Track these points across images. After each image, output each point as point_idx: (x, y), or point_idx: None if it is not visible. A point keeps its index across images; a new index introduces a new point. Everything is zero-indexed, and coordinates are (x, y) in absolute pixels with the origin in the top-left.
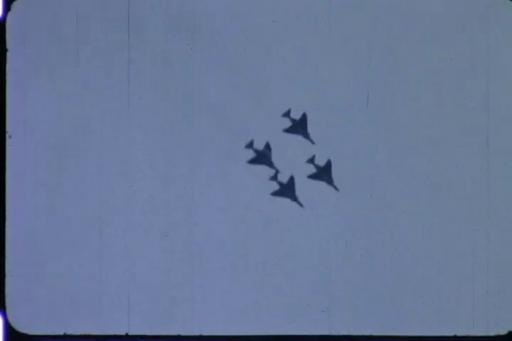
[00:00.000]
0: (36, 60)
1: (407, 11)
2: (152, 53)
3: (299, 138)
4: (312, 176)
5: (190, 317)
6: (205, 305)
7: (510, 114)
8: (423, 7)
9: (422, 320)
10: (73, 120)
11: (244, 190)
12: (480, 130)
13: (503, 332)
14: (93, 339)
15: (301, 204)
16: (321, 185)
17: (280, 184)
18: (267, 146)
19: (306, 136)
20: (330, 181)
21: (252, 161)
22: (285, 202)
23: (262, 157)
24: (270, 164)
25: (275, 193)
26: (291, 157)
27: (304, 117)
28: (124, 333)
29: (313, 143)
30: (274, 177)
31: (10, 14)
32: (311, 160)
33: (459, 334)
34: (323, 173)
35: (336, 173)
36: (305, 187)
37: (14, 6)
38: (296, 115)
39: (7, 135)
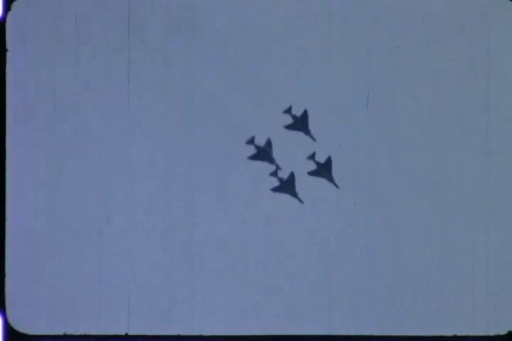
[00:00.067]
0: (36, 60)
1: (407, 11)
2: (152, 53)
3: (300, 135)
4: (312, 173)
5: (190, 317)
6: (205, 305)
7: (510, 114)
8: (423, 7)
9: (421, 320)
10: (73, 120)
11: (245, 189)
12: (480, 129)
13: (503, 332)
14: (93, 339)
15: (301, 201)
16: (321, 182)
17: (280, 180)
18: (268, 143)
19: (307, 132)
20: (330, 178)
21: (253, 157)
22: (285, 201)
23: (263, 153)
24: (271, 161)
25: (275, 189)
26: (292, 153)
27: (305, 114)
28: (123, 333)
29: (314, 140)
30: (275, 173)
31: (10, 14)
32: (312, 157)
33: (459, 334)
34: (324, 170)
35: (336, 170)
36: (305, 183)
37: (14, 6)
38: (297, 112)
39: (7, 134)
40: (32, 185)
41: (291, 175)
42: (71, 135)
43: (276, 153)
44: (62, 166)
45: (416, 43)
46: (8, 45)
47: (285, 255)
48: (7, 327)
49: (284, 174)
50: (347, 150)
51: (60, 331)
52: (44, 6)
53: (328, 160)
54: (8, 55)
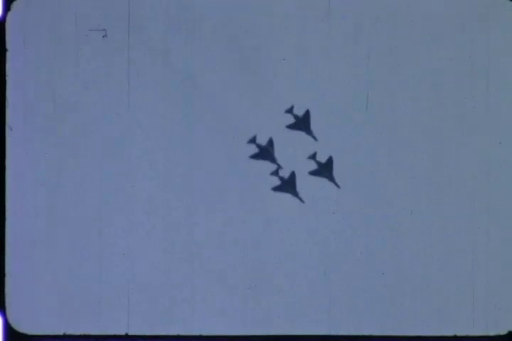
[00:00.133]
0: (36, 60)
1: (407, 11)
2: (152, 53)
3: (301, 135)
4: (313, 172)
5: (190, 317)
6: (205, 305)
7: (511, 114)
8: (423, 7)
9: (421, 320)
10: (73, 120)
11: (245, 189)
12: (480, 129)
13: (503, 332)
14: (93, 339)
15: (302, 200)
16: (322, 181)
17: (281, 179)
18: (270, 142)
19: (309, 132)
20: (331, 178)
21: (255, 156)
22: (285, 201)
23: (265, 152)
24: (273, 160)
25: (276, 188)
26: (293, 153)
27: (307, 114)
28: (123, 333)
29: (316, 139)
30: (276, 173)
31: (10, 14)
32: (313, 157)
33: (459, 334)
34: (325, 170)
35: (336, 170)
36: (306, 183)
37: (14, 6)
38: (298, 112)
39: (7, 134)
40: (32, 185)
41: (292, 175)
42: (71, 135)
43: (277, 153)
44: (62, 166)
45: (416, 43)
46: (8, 45)
47: (285, 255)
48: (7, 327)
49: (284, 173)
50: (347, 150)
51: (60, 331)
52: (44, 6)
53: (329, 160)
54: (8, 55)
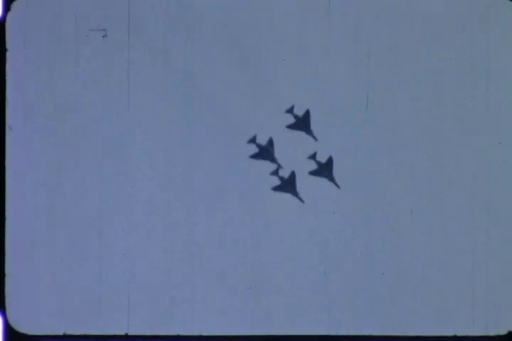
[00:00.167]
0: (36, 60)
1: (407, 11)
2: (152, 53)
3: (301, 135)
4: (313, 172)
5: (190, 317)
6: (205, 305)
7: (511, 114)
8: (423, 7)
9: (421, 320)
10: (73, 120)
11: (245, 189)
12: (480, 129)
13: (503, 332)
14: (93, 339)
15: (301, 200)
16: (322, 181)
17: (281, 179)
18: (270, 142)
19: (309, 132)
20: (331, 178)
21: (255, 156)
22: (286, 201)
23: (265, 152)
24: (273, 160)
25: (276, 188)
26: (293, 153)
27: (307, 114)
28: (123, 333)
29: (316, 139)
30: (276, 172)
31: (10, 14)
32: (313, 157)
33: (459, 334)
34: (325, 170)
35: (337, 170)
36: (306, 183)
37: (14, 6)
38: (298, 112)
39: (7, 134)
40: (32, 185)
41: (292, 175)
42: (71, 135)
43: (277, 153)
44: (62, 166)
45: (416, 43)
46: (8, 45)
47: (285, 255)
48: (7, 327)
49: (284, 173)
50: (347, 150)
51: (60, 331)
52: (44, 6)
53: (330, 160)
54: (8, 55)
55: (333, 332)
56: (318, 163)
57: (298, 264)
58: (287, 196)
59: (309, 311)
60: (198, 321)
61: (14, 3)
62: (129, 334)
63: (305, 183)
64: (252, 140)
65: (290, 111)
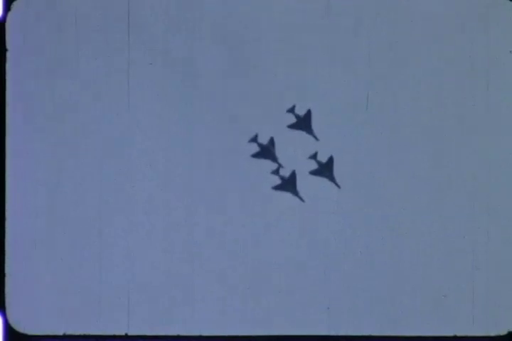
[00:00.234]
0: (36, 60)
1: (407, 11)
2: (152, 53)
3: (302, 135)
4: (314, 172)
5: (190, 317)
6: (205, 305)
7: (511, 114)
8: (423, 7)
9: (421, 320)
10: (73, 120)
11: (245, 189)
12: (480, 129)
13: (503, 332)
14: (93, 339)
15: (302, 199)
16: (323, 181)
17: (282, 178)
18: (271, 141)
19: (310, 132)
20: (332, 178)
21: (256, 155)
22: (286, 201)
23: (266, 151)
24: (274, 159)
25: (276, 187)
26: (294, 153)
27: (308, 114)
28: (123, 333)
29: (317, 139)
30: (276, 172)
31: (10, 14)
32: (314, 157)
33: (459, 334)
34: (325, 170)
35: (337, 170)
36: (306, 183)
37: (14, 6)
38: (300, 112)
39: (7, 134)
40: (32, 185)
41: (293, 174)
42: (71, 135)
43: (278, 152)
44: (62, 166)
45: (416, 43)
46: (8, 45)
47: (285, 255)
48: (7, 327)
49: (285, 172)
50: (348, 150)
51: (60, 331)
52: (44, 6)
53: (330, 160)
54: (8, 55)
55: (333, 332)
56: (319, 163)
57: (298, 264)
58: (288, 196)
59: (309, 311)
60: (198, 321)
61: (14, 3)
62: (129, 334)
63: (305, 183)
64: (254, 139)
65: (291, 110)
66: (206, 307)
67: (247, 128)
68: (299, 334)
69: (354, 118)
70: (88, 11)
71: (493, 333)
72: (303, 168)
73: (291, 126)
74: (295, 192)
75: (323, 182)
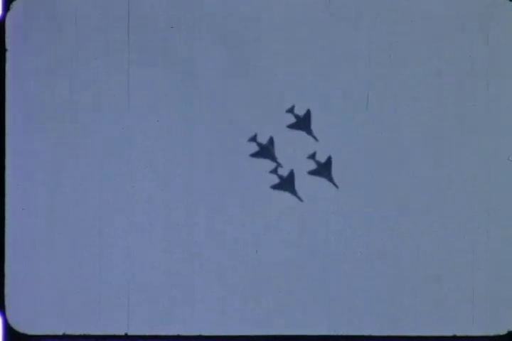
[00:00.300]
0: (36, 60)
1: (407, 11)
2: (152, 53)
3: (302, 135)
4: (312, 172)
5: (190, 317)
6: (205, 305)
7: (511, 114)
8: (423, 7)
9: (421, 320)
10: (73, 120)
11: (245, 189)
12: (480, 129)
13: (503, 332)
14: (93, 339)
15: (300, 199)
16: (321, 181)
17: (280, 177)
18: (271, 141)
19: (309, 132)
20: (330, 178)
21: (255, 155)
22: (285, 201)
23: (265, 151)
24: (273, 159)
25: (275, 187)
26: (293, 153)
27: (307, 114)
28: (123, 333)
29: (316, 140)
30: (275, 171)
31: (10, 14)
32: (312, 157)
33: (458, 334)
34: (324, 170)
35: (336, 170)
36: (305, 183)
37: (14, 6)
38: (299, 111)
39: (7, 134)
40: (32, 185)
41: (291, 173)
42: (71, 135)
43: (277, 152)
44: (62, 166)
45: (416, 43)
46: (8, 45)
47: (285, 255)
48: (7, 327)
49: (284, 172)
50: (347, 150)
51: (60, 331)
52: (44, 6)
53: (329, 160)
54: (8, 55)
55: (333, 332)
56: (318, 163)
57: (298, 264)
58: (288, 196)
59: (309, 311)
60: (198, 321)
61: (14, 3)
62: (129, 334)
63: (304, 182)
64: (253, 138)
65: (291, 110)
66: (206, 307)
67: (246, 128)
68: (298, 334)
69: (354, 118)
70: (88, 11)
71: (492, 333)
72: (301, 168)
73: (291, 126)
74: (293, 192)
75: (321, 182)
